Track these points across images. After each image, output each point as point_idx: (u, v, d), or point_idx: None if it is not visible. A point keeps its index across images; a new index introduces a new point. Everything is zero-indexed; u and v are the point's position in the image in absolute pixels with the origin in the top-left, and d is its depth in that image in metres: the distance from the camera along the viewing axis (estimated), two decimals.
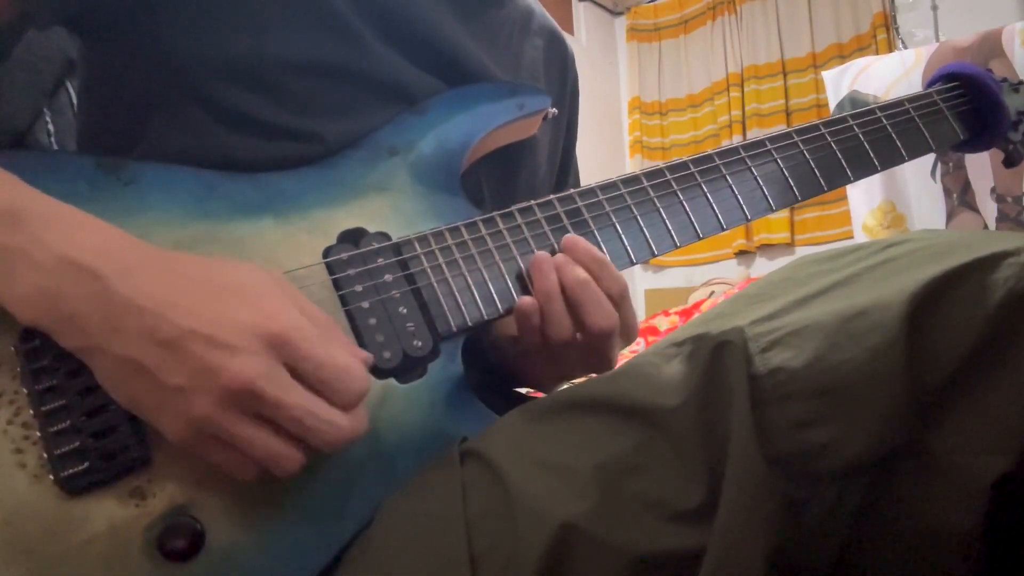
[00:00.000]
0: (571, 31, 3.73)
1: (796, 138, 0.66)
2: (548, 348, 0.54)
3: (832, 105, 2.55)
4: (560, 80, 0.76)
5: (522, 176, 0.69)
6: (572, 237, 0.55)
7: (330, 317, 0.45)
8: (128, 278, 0.41)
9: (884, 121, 0.70)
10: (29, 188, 0.43)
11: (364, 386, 0.43)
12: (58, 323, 0.41)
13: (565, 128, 0.78)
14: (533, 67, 0.72)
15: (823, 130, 0.67)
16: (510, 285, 0.54)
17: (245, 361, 0.39)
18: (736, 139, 3.44)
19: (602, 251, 0.56)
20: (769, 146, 0.64)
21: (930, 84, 0.79)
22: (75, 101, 0.77)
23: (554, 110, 0.66)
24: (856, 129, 0.68)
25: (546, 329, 0.53)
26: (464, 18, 0.64)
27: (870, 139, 0.69)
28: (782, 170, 0.64)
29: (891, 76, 2.39)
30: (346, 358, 0.43)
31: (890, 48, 3.07)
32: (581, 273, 0.53)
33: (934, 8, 3.00)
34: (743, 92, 3.51)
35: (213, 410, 0.39)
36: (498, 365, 0.67)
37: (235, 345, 0.40)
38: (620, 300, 0.54)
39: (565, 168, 0.79)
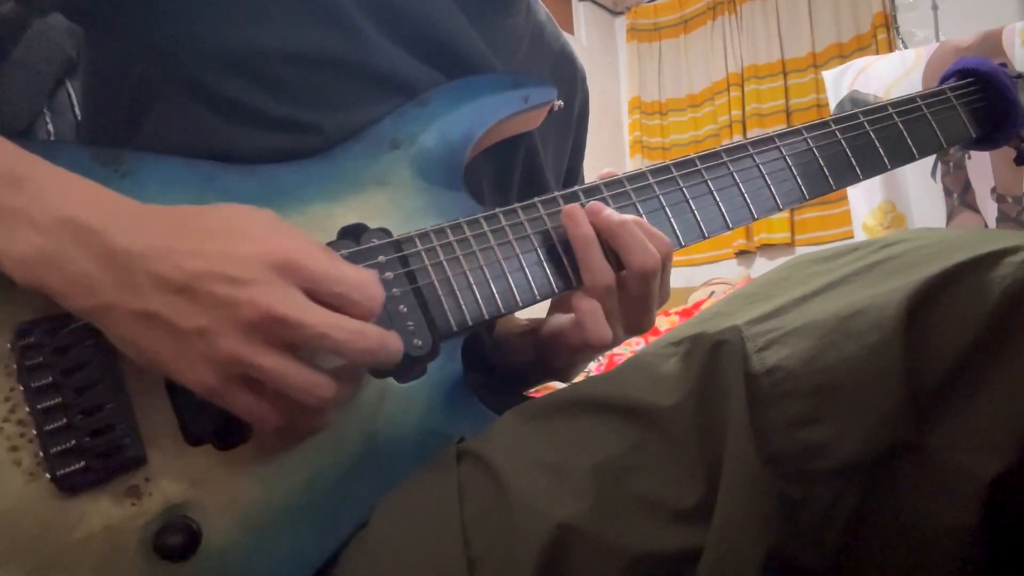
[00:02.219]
0: (571, 31, 3.73)
1: (805, 134, 0.64)
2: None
3: (832, 105, 2.55)
4: (567, 99, 0.75)
5: (518, 172, 0.68)
6: (595, 204, 0.55)
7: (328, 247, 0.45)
8: (129, 231, 0.40)
9: (895, 117, 0.69)
10: (27, 153, 0.42)
11: (381, 294, 0.44)
12: (65, 285, 0.40)
13: (570, 150, 0.78)
14: None
15: (833, 126, 0.66)
16: (512, 283, 0.54)
17: (260, 290, 0.39)
18: (736, 139, 3.44)
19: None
20: (778, 143, 0.63)
21: (944, 79, 0.78)
22: (75, 101, 0.77)
23: (560, 102, 0.65)
24: (867, 125, 0.67)
25: (585, 276, 0.53)
26: (469, 16, 0.63)
27: (881, 136, 0.67)
28: (790, 168, 0.63)
29: (891, 76, 2.39)
30: (358, 270, 0.43)
31: (890, 48, 3.07)
32: (617, 216, 0.53)
33: (934, 8, 3.00)
34: (743, 92, 3.51)
35: (238, 346, 0.39)
36: (499, 365, 0.67)
37: (247, 277, 0.39)
38: (667, 256, 0.55)
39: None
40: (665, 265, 0.55)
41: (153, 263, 0.40)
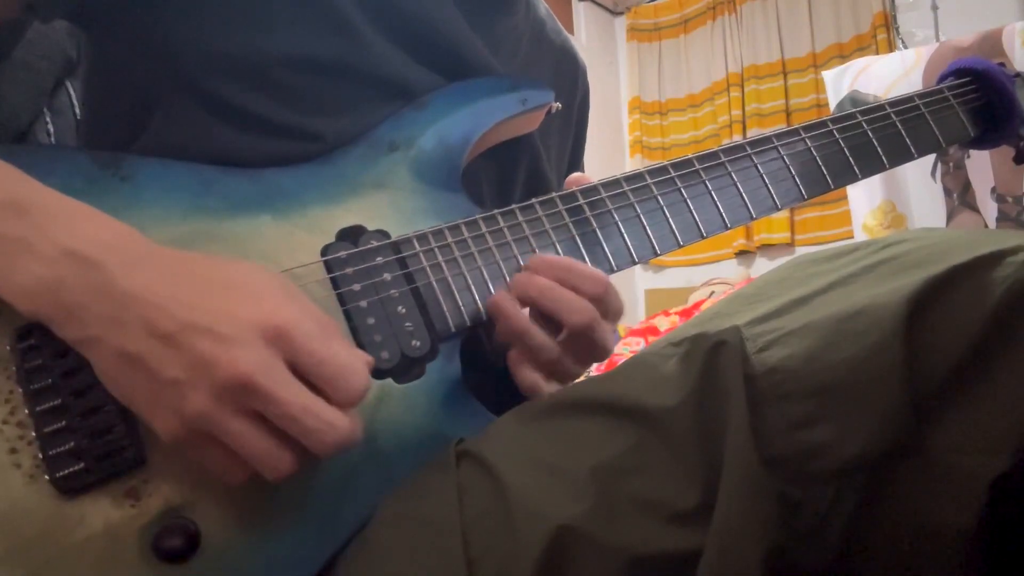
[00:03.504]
0: (571, 31, 3.73)
1: (803, 135, 0.65)
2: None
3: (832, 105, 2.55)
4: (568, 96, 0.75)
5: (521, 175, 0.68)
6: (536, 257, 0.53)
7: (331, 318, 0.44)
8: (130, 271, 0.40)
9: (893, 117, 0.69)
10: (32, 181, 0.42)
11: (366, 384, 0.42)
12: (58, 314, 0.40)
13: (571, 147, 0.78)
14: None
15: (831, 126, 0.66)
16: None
17: (243, 354, 0.39)
18: (736, 139, 3.45)
19: (604, 249, 0.56)
20: (776, 143, 0.63)
21: (941, 79, 0.78)
22: (75, 101, 0.77)
23: (558, 104, 0.65)
24: (865, 125, 0.67)
25: (534, 359, 0.52)
26: (470, 19, 0.63)
27: (879, 135, 0.67)
28: (788, 168, 0.63)
29: (891, 76, 2.39)
30: (348, 356, 0.42)
31: (890, 48, 3.07)
32: (541, 280, 0.51)
33: (934, 8, 3.00)
34: (743, 92, 3.51)
35: (208, 404, 0.38)
36: (498, 366, 0.67)
37: (234, 338, 0.39)
38: (603, 296, 0.53)
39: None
40: (606, 297, 0.53)
41: (147, 307, 0.39)
